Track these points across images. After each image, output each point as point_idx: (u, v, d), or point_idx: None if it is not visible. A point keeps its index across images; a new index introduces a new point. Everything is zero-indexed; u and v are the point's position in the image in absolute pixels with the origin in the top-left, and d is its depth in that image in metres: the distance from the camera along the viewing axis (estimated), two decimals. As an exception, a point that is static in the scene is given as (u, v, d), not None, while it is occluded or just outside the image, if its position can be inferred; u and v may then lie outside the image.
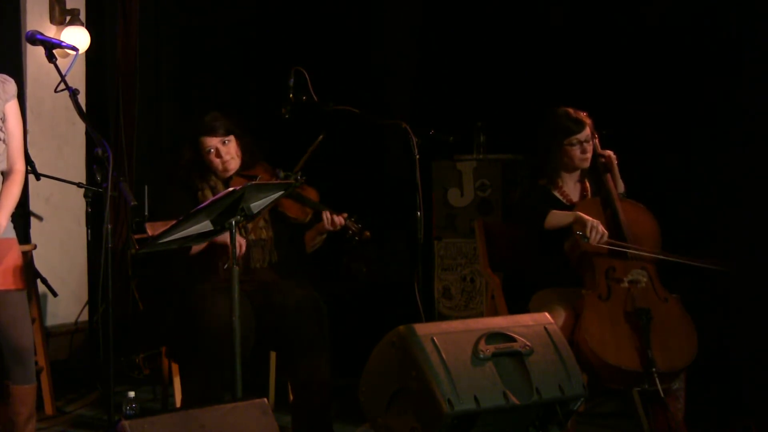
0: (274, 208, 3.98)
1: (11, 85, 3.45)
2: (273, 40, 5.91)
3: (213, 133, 3.96)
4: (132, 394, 3.57)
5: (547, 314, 3.47)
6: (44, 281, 4.82)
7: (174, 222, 3.28)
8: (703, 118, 4.72)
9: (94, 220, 4.63)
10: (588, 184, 4.12)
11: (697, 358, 3.70)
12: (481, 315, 5.05)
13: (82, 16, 5.46)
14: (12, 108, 3.44)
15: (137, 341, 5.23)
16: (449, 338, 3.20)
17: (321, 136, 4.07)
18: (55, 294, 4.92)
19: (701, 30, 4.71)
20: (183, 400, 3.89)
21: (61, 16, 5.40)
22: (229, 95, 5.84)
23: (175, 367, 4.08)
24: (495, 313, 4.10)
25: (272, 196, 3.48)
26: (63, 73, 3.34)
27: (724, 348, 4.35)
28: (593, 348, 3.63)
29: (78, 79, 5.44)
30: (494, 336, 3.26)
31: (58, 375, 4.70)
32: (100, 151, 3.22)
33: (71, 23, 5.36)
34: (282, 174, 3.97)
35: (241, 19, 6.03)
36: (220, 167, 3.99)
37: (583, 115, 4.03)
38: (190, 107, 5.92)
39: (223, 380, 3.58)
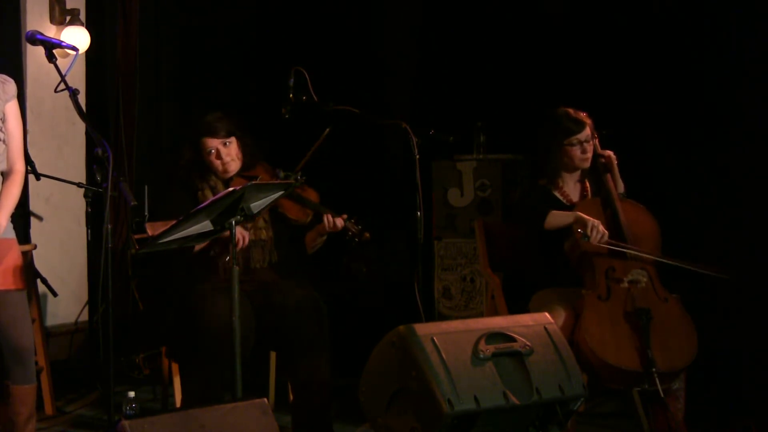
0: (274, 209, 3.98)
1: (11, 86, 3.45)
2: (273, 40, 5.91)
3: (214, 134, 3.96)
4: (132, 394, 3.57)
5: (547, 314, 3.47)
6: (44, 281, 4.82)
7: (174, 222, 3.28)
8: (703, 118, 4.72)
9: (94, 220, 4.63)
10: (588, 184, 4.13)
11: (697, 358, 3.70)
12: (481, 315, 5.05)
13: (82, 16, 5.46)
14: (12, 108, 3.44)
15: (137, 341, 5.23)
16: (449, 338, 3.20)
17: (327, 130, 4.07)
18: (55, 294, 4.92)
19: (701, 30, 4.70)
20: (183, 400, 3.89)
21: (61, 16, 5.40)
22: (229, 95, 5.83)
23: (175, 367, 4.08)
24: (495, 313, 4.10)
25: (272, 196, 3.48)
26: (63, 73, 3.34)
27: (724, 348, 4.35)
28: (593, 348, 3.63)
29: (78, 79, 5.44)
30: (494, 336, 3.26)
31: (58, 375, 4.70)
32: (100, 151, 3.22)
33: (71, 23, 5.36)
34: (282, 174, 3.97)
35: (241, 19, 6.03)
36: (220, 168, 3.99)
37: (583, 115, 4.03)
38: (190, 107, 5.91)
39: (223, 380, 3.58)
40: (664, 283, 3.86)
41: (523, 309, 3.90)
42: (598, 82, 5.00)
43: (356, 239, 3.99)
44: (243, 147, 4.03)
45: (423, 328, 3.21)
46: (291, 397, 3.94)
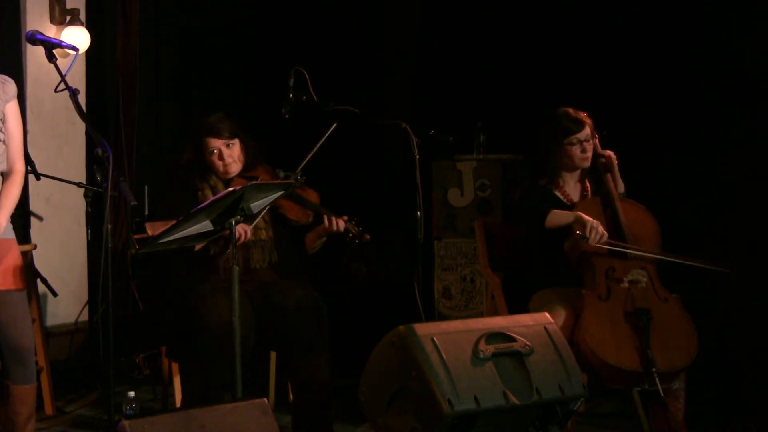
0: (274, 210, 3.98)
1: (11, 86, 3.45)
2: (273, 40, 5.91)
3: (218, 134, 3.96)
4: (132, 394, 3.57)
5: (547, 314, 3.47)
6: (44, 281, 4.82)
7: (174, 222, 3.28)
8: (703, 118, 4.72)
9: (94, 220, 4.63)
10: (588, 184, 4.13)
11: (697, 358, 3.70)
12: (481, 315, 5.05)
13: (82, 16, 5.46)
14: (12, 109, 3.44)
15: (137, 341, 5.23)
16: (449, 338, 3.20)
17: (335, 125, 4.07)
18: (55, 294, 4.92)
19: (701, 30, 4.70)
20: (183, 400, 3.89)
21: (61, 16, 5.40)
22: (229, 95, 5.84)
23: (175, 367, 4.08)
24: (495, 313, 4.10)
25: (272, 196, 3.48)
26: (63, 73, 3.34)
27: (724, 348, 4.35)
28: (593, 348, 3.63)
29: (78, 79, 5.44)
30: (494, 336, 3.26)
31: (58, 375, 4.70)
32: (100, 151, 3.22)
33: (71, 23, 5.36)
34: (282, 174, 3.97)
35: (241, 19, 6.03)
36: (221, 169, 3.99)
37: (582, 114, 4.04)
38: (190, 107, 5.92)
39: (223, 380, 3.58)
40: (664, 283, 3.86)
41: (523, 309, 3.90)
42: (598, 82, 5.00)
43: (356, 241, 3.99)
44: (245, 149, 4.04)
45: (423, 328, 3.21)
46: (291, 397, 3.94)
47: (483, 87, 5.54)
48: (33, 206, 5.23)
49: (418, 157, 3.98)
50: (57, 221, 5.43)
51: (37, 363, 4.29)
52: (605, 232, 3.80)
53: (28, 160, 4.20)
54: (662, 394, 3.59)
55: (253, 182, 3.42)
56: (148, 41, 5.84)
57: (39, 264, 4.75)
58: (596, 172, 4.09)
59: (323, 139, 4.06)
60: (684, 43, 4.78)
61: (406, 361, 3.16)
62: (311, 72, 4.14)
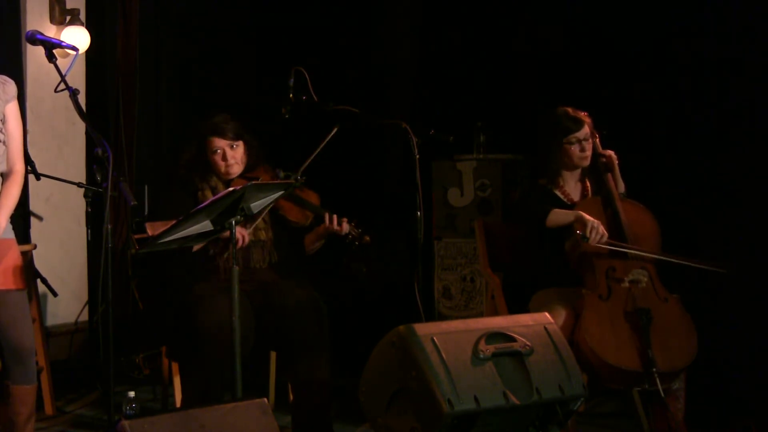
0: (274, 211, 3.99)
1: (11, 86, 3.45)
2: (273, 40, 5.91)
3: (222, 134, 3.97)
4: (132, 394, 3.57)
5: (547, 314, 3.47)
6: (44, 281, 4.82)
7: (174, 222, 3.28)
8: (703, 118, 4.72)
9: (94, 220, 4.64)
10: (589, 184, 4.13)
11: (697, 358, 3.70)
12: (481, 315, 5.05)
13: (82, 16, 5.46)
14: (12, 109, 3.44)
15: (137, 341, 5.23)
16: (449, 338, 3.20)
17: (336, 129, 4.07)
18: (55, 294, 4.92)
19: (701, 29, 4.70)
20: (183, 400, 3.89)
21: (61, 16, 5.40)
22: (229, 95, 5.83)
23: (175, 367, 4.08)
24: (495, 313, 4.10)
25: (272, 196, 3.48)
26: (63, 73, 3.34)
27: (724, 348, 4.35)
28: (593, 348, 3.63)
29: (78, 79, 5.44)
30: (494, 336, 3.26)
31: (58, 375, 4.70)
32: (100, 151, 3.22)
33: (71, 23, 5.36)
34: (282, 174, 3.97)
35: (241, 19, 6.03)
36: (222, 170, 4.00)
37: (581, 114, 4.04)
38: (190, 107, 5.91)
39: (223, 380, 3.58)
40: (664, 283, 3.86)
41: (523, 309, 3.90)
42: (598, 82, 5.00)
43: (356, 242, 3.99)
44: (248, 151, 4.04)
45: (423, 328, 3.21)
46: (291, 397, 3.94)
47: (483, 87, 5.54)
48: (33, 206, 5.23)
49: (418, 157, 3.98)
50: (57, 221, 5.43)
51: (37, 363, 4.28)
52: (606, 232, 3.80)
53: (28, 160, 4.20)
54: (662, 394, 3.59)
55: (253, 182, 3.43)
56: (148, 41, 5.84)
57: (39, 264, 4.75)
58: (597, 171, 4.09)
59: (324, 143, 4.05)
60: (684, 43, 4.77)
61: (406, 361, 3.16)
62: (311, 72, 4.14)
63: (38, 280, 4.75)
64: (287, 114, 4.19)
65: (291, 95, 4.17)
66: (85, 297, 5.55)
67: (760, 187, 4.48)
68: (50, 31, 5.31)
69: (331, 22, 5.89)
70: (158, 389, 4.65)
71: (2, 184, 3.43)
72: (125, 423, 2.80)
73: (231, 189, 3.29)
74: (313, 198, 4.08)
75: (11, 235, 3.45)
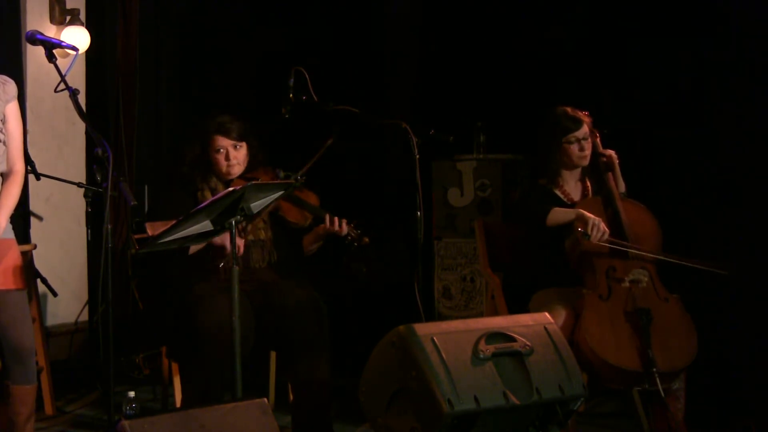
0: (273, 212, 3.99)
1: (11, 87, 3.45)
2: (273, 40, 5.91)
3: (227, 134, 3.97)
4: (132, 394, 3.57)
5: (547, 314, 3.47)
6: (44, 281, 4.82)
7: (174, 222, 3.28)
8: (703, 118, 4.72)
9: (94, 220, 4.64)
10: (589, 183, 4.13)
11: (697, 358, 3.70)
12: (481, 315, 5.05)
13: (82, 16, 5.46)
14: (12, 109, 3.44)
15: (137, 341, 5.23)
16: (449, 338, 3.19)
17: (330, 140, 4.07)
18: (55, 294, 4.92)
19: (701, 29, 4.70)
20: (183, 400, 3.89)
21: (61, 16, 5.40)
22: (229, 95, 5.83)
23: (175, 367, 4.08)
24: (495, 313, 4.10)
25: (272, 196, 3.48)
26: (63, 73, 3.34)
27: (724, 348, 4.35)
28: (593, 348, 3.63)
29: (78, 79, 5.44)
30: (494, 336, 3.26)
31: (58, 375, 4.70)
32: (100, 151, 3.22)
33: (71, 23, 5.36)
34: (282, 174, 3.98)
35: (241, 19, 6.03)
36: (224, 169, 4.00)
37: (581, 113, 4.04)
38: (190, 107, 5.91)
39: (223, 380, 3.58)
40: (665, 283, 3.86)
41: (523, 309, 3.90)
42: (598, 82, 5.00)
43: (355, 243, 3.99)
44: (251, 153, 4.04)
45: (423, 328, 3.21)
46: (291, 397, 3.94)
47: (483, 87, 5.53)
48: (33, 206, 5.23)
49: (418, 157, 3.98)
50: (57, 221, 5.43)
51: (37, 363, 4.28)
52: (607, 230, 3.80)
53: (28, 160, 4.20)
54: (662, 394, 3.59)
55: (253, 182, 3.42)
56: (148, 41, 5.84)
57: (39, 264, 4.75)
58: (597, 171, 4.09)
59: (318, 155, 4.05)
60: (684, 43, 4.77)
61: (406, 361, 3.16)
62: (311, 72, 4.14)
63: (38, 280, 4.75)
64: (287, 114, 4.19)
65: (291, 95, 4.17)
66: (85, 297, 5.55)
67: (760, 187, 4.48)
68: (50, 31, 5.31)
69: (331, 22, 5.88)
70: (158, 389, 4.65)
71: (2, 184, 3.43)
72: (125, 423, 2.80)
73: (231, 189, 3.29)
74: (312, 199, 4.08)
75: (11, 235, 3.45)
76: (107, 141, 3.28)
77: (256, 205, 3.41)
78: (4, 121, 3.40)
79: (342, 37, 5.87)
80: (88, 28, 5.40)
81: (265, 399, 3.07)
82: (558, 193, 4.07)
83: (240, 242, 3.85)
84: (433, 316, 5.32)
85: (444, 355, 3.13)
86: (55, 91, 3.35)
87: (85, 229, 4.76)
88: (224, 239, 3.78)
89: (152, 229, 3.68)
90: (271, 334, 3.88)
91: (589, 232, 3.77)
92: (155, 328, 4.27)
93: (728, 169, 4.60)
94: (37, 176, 4.65)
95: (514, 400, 3.16)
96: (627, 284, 3.81)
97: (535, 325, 3.37)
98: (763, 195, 4.46)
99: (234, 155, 3.99)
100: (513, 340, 3.28)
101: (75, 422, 4.50)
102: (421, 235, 3.99)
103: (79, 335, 5.40)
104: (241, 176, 4.03)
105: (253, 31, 6.02)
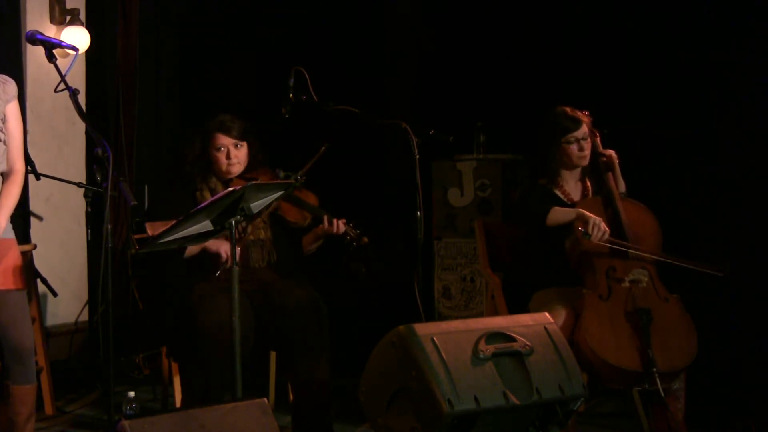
0: (273, 212, 3.99)
1: (12, 86, 3.45)
2: (273, 40, 5.91)
3: (228, 132, 3.98)
4: (132, 394, 3.57)
5: (547, 314, 3.47)
6: (44, 281, 4.82)
7: (174, 222, 3.28)
8: (703, 118, 4.72)
9: (94, 220, 4.64)
10: (589, 183, 4.13)
11: (697, 358, 3.70)
12: (481, 315, 5.05)
13: (82, 16, 5.46)
14: (12, 109, 3.44)
15: (137, 341, 5.23)
16: (449, 338, 3.19)
17: (323, 148, 4.07)
18: (55, 294, 4.92)
19: (701, 29, 4.70)
20: (183, 400, 3.89)
21: (61, 16, 5.40)
22: (229, 95, 5.83)
23: (175, 367, 4.08)
24: (495, 313, 4.10)
25: (272, 196, 3.48)
26: (63, 73, 3.34)
27: (724, 348, 4.35)
28: (593, 348, 3.63)
29: (78, 79, 5.44)
30: (494, 336, 3.26)
31: (58, 375, 4.70)
32: (100, 151, 3.22)
33: (71, 23, 5.36)
34: (282, 174, 3.98)
35: (242, 19, 6.03)
36: (224, 168, 4.00)
37: (580, 113, 4.04)
38: (190, 107, 5.91)
39: (223, 380, 3.58)
40: (665, 283, 3.86)
41: (523, 309, 3.90)
42: (598, 81, 5.00)
43: (354, 243, 3.99)
44: (251, 153, 4.05)
45: (423, 328, 3.21)
46: (291, 397, 3.94)
47: (483, 87, 5.54)
48: (33, 206, 5.23)
49: (418, 157, 3.98)
50: (57, 221, 5.43)
51: (37, 363, 4.29)
52: (607, 230, 3.80)
53: (28, 160, 4.20)
54: (662, 394, 3.59)
55: (253, 182, 3.42)
56: (148, 41, 5.84)
57: (39, 264, 4.75)
58: (597, 171, 4.09)
59: (313, 161, 4.05)
60: (684, 43, 4.78)
61: (406, 361, 3.16)
62: (311, 72, 4.14)
63: (38, 280, 4.75)
64: (287, 114, 4.19)
65: (291, 95, 4.17)
66: (85, 297, 5.55)
67: (760, 187, 4.48)
68: (50, 31, 5.31)
69: (332, 22, 5.89)
70: (158, 389, 4.65)
71: (2, 184, 3.43)
72: (125, 423, 2.80)
73: (231, 189, 3.29)
74: (311, 199, 4.08)
75: (11, 235, 3.45)
76: (107, 141, 3.28)
77: (256, 205, 3.41)
78: (4, 121, 3.40)
79: (342, 37, 5.87)
80: (88, 28, 5.40)
81: (265, 399, 3.07)
82: (558, 193, 4.07)
83: (228, 250, 3.82)
84: (433, 316, 5.32)
85: (444, 355, 3.13)
86: (55, 91, 3.35)
87: (85, 229, 4.76)
88: (219, 246, 3.79)
89: (152, 229, 3.68)
90: (271, 334, 3.88)
91: (590, 231, 3.77)
92: (155, 328, 4.27)
93: (728, 169, 4.60)
94: (37, 176, 4.65)
95: (514, 400, 3.16)
96: (627, 284, 3.81)
97: (535, 325, 3.37)
98: (763, 195, 4.47)
99: (235, 154, 3.99)
100: (513, 340, 3.28)
101: (75, 422, 4.50)
102: (421, 235, 3.99)
103: (79, 335, 5.40)
104: (241, 176, 4.03)
105: (253, 31, 6.02)
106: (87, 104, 5.41)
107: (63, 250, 5.47)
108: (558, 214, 3.91)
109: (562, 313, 3.77)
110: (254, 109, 5.44)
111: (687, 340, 3.73)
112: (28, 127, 4.96)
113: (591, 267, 3.86)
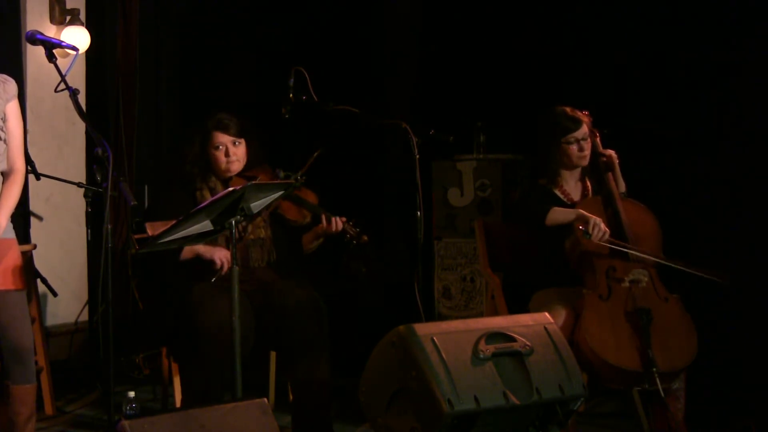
0: (272, 210, 3.99)
1: (12, 85, 3.45)
2: (273, 40, 5.91)
3: (226, 130, 3.98)
4: (132, 394, 3.57)
5: (547, 314, 3.47)
6: (44, 281, 4.82)
7: (174, 222, 3.28)
8: (703, 118, 4.72)
9: (94, 220, 4.64)
10: (589, 183, 4.13)
11: (697, 358, 3.70)
12: (481, 315, 5.05)
13: (82, 16, 5.46)
14: (12, 108, 3.44)
15: (137, 341, 5.23)
16: (449, 338, 3.19)
17: (317, 152, 4.07)
18: (55, 294, 4.92)
19: (701, 29, 4.70)
20: (183, 400, 3.89)
21: (61, 16, 5.40)
22: (230, 95, 5.83)
23: (175, 367, 4.08)
24: (495, 313, 4.10)
25: (272, 195, 3.48)
26: (63, 73, 3.34)
27: (724, 348, 4.35)
28: (593, 348, 3.63)
29: (78, 79, 5.44)
30: (494, 336, 3.26)
31: (58, 375, 4.70)
32: (100, 151, 3.22)
33: (71, 23, 5.36)
34: (282, 174, 3.98)
35: (242, 19, 6.03)
36: (223, 166, 4.00)
37: (580, 113, 4.04)
38: (190, 107, 5.91)
39: (223, 380, 3.58)
40: (665, 283, 3.86)
41: (523, 309, 3.90)
42: (598, 81, 5.00)
43: (354, 242, 4.00)
44: (250, 151, 4.05)
45: (423, 328, 3.21)
46: (291, 397, 3.94)
47: (483, 87, 5.54)
48: (33, 206, 5.23)
49: (418, 157, 3.98)
50: (57, 221, 5.43)
51: (37, 363, 4.29)
52: (607, 230, 3.80)
53: (28, 160, 4.19)
54: (662, 394, 3.59)
55: (253, 182, 3.42)
56: (148, 41, 5.84)
57: (39, 264, 4.75)
58: (597, 171, 4.09)
59: (308, 165, 4.05)
60: (684, 43, 4.78)
61: (406, 361, 3.16)
62: (311, 72, 4.14)
63: (38, 280, 4.75)
64: (287, 114, 4.19)
65: (291, 95, 4.17)
66: (85, 297, 5.55)
67: (760, 188, 4.48)
68: (50, 31, 5.31)
69: (332, 22, 5.88)
70: (158, 389, 4.65)
71: (3, 184, 3.42)
72: (125, 423, 2.80)
73: (231, 189, 3.29)
74: (311, 197, 4.08)
75: (12, 234, 3.45)
76: (107, 141, 3.28)
77: (256, 205, 3.41)
78: (4, 120, 3.40)
79: (342, 37, 5.87)
80: (88, 28, 5.40)
81: (265, 399, 3.07)
82: (558, 193, 4.07)
83: (226, 255, 3.82)
84: (433, 316, 5.32)
85: (444, 355, 3.13)
86: (55, 91, 3.35)
87: (85, 229, 4.76)
88: (212, 253, 3.80)
89: (152, 229, 3.68)
90: (271, 334, 3.88)
91: (590, 231, 3.77)
92: (155, 328, 4.27)
93: (728, 170, 4.60)
94: (37, 176, 4.65)
95: (514, 400, 3.16)
96: (627, 284, 3.81)
97: (535, 325, 3.37)
98: (763, 195, 4.46)
99: (233, 151, 3.99)
100: (513, 340, 3.28)
101: (75, 422, 4.50)
102: (421, 235, 3.99)
103: (79, 335, 5.40)
104: (241, 175, 4.03)
105: (253, 31, 6.02)
106: (87, 104, 5.41)
107: (63, 250, 5.47)
108: (558, 214, 3.91)
109: (562, 313, 3.77)
110: (254, 108, 5.43)
111: (687, 340, 3.73)
112: (28, 127, 4.96)
113: (591, 267, 3.86)
